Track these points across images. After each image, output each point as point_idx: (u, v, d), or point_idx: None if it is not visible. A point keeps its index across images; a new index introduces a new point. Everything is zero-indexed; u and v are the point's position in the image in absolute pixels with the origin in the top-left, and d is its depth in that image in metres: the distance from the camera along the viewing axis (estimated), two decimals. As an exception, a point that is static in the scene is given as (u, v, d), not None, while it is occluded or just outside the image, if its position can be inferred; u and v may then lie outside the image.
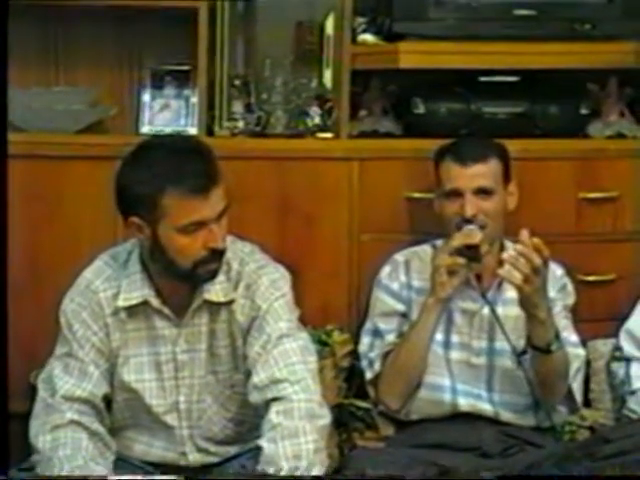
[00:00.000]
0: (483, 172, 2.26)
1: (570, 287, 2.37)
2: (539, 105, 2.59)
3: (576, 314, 2.38)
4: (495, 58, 2.51)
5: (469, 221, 2.23)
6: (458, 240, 2.21)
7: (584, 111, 2.63)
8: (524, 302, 2.14)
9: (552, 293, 2.28)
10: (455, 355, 2.30)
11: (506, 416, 2.27)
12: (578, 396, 2.30)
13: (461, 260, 2.21)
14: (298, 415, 1.89)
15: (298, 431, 1.87)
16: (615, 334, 2.45)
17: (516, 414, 2.28)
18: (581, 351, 2.32)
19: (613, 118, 2.68)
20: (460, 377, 2.29)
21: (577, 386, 2.30)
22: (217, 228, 1.89)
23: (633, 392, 2.37)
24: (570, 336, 2.31)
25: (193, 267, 1.91)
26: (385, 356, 2.31)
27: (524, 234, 2.09)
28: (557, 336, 2.18)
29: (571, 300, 2.37)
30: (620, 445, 2.05)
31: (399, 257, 2.40)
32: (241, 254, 2.03)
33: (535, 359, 2.19)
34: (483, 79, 2.56)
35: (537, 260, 2.07)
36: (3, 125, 2.00)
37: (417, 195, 2.50)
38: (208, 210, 1.88)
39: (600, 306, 2.53)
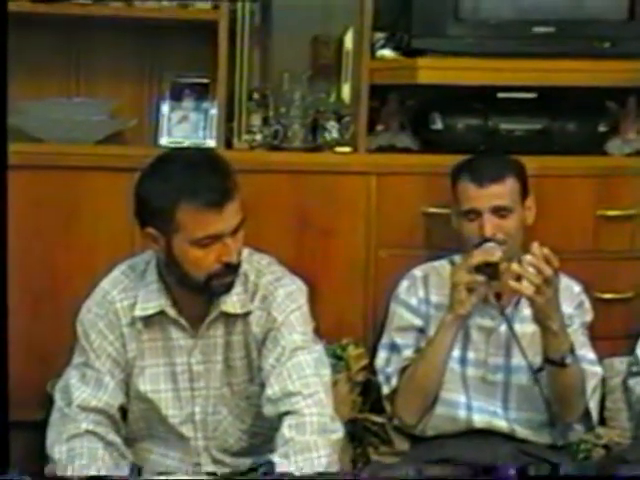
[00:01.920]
0: (500, 192, 2.25)
1: (587, 304, 2.36)
2: (557, 122, 2.58)
3: (593, 331, 2.37)
4: (513, 75, 2.52)
5: (488, 240, 2.23)
6: (477, 258, 2.20)
7: (602, 128, 2.62)
8: (537, 313, 2.14)
9: (569, 310, 2.28)
10: (471, 372, 2.29)
11: (522, 433, 2.26)
12: (595, 414, 2.29)
13: (480, 278, 2.20)
14: (310, 430, 1.88)
15: (310, 446, 1.87)
16: (632, 352, 2.44)
17: (532, 431, 2.27)
18: (598, 369, 2.31)
19: (632, 136, 2.67)
20: (476, 394, 2.28)
21: (594, 404, 2.28)
22: (232, 242, 1.90)
23: (650, 409, 2.36)
24: (587, 354, 2.29)
25: (207, 280, 1.92)
26: (402, 371, 2.31)
27: (535, 245, 2.09)
28: (572, 350, 2.17)
29: (589, 317, 2.35)
30: (638, 466, 2.04)
31: (417, 272, 2.39)
32: (258, 266, 2.03)
33: (550, 374, 2.18)
34: (501, 95, 2.56)
35: (548, 270, 2.07)
36: (3, 136, 2.01)
37: (434, 210, 2.50)
38: (223, 224, 1.88)
39: (617, 324, 2.51)
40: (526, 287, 2.09)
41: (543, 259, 2.07)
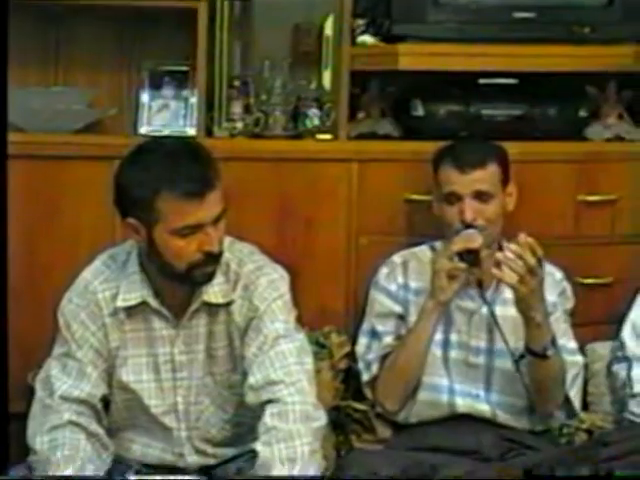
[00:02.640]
0: (482, 177, 2.25)
1: (569, 291, 2.37)
2: (538, 108, 2.59)
3: (574, 317, 2.39)
4: (494, 60, 2.52)
5: (469, 226, 2.23)
6: (458, 244, 2.21)
7: (583, 114, 2.63)
8: (520, 304, 2.15)
9: (552, 297, 2.29)
10: (454, 354, 2.30)
11: (503, 417, 2.27)
12: (577, 403, 2.30)
13: (462, 265, 2.20)
14: (293, 418, 1.89)
15: (293, 434, 1.87)
16: (614, 336, 2.45)
17: (513, 415, 2.28)
18: (579, 358, 2.32)
19: (612, 121, 2.68)
20: (458, 377, 2.29)
21: (575, 393, 2.30)
22: (213, 232, 1.89)
23: (634, 395, 2.36)
24: (568, 343, 2.31)
25: (188, 270, 1.91)
26: (383, 358, 2.31)
27: (521, 235, 2.09)
28: (553, 342, 2.18)
29: (570, 304, 2.37)
30: (618, 448, 2.05)
31: (397, 258, 2.40)
32: (240, 255, 2.02)
33: (531, 364, 2.20)
34: (482, 81, 2.56)
35: (531, 260, 2.08)
36: (3, 127, 2.00)
37: (416, 197, 2.50)
38: (204, 214, 1.87)
39: (598, 309, 2.53)
40: (509, 276, 2.09)
41: (528, 249, 2.07)
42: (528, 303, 2.13)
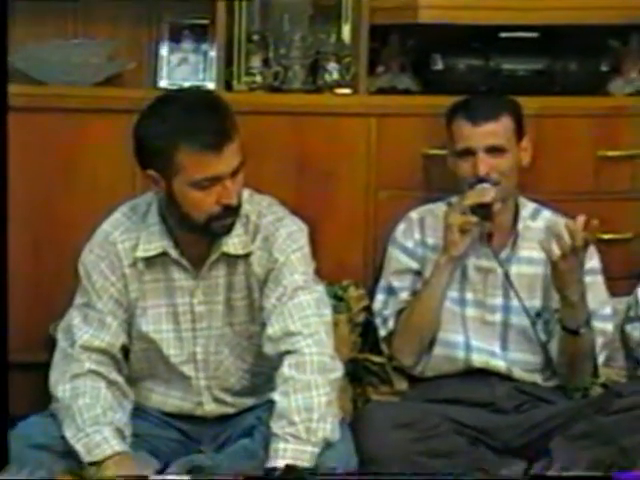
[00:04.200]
0: (495, 130, 2.24)
1: (592, 248, 2.29)
2: (559, 62, 2.57)
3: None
4: (515, 14, 2.49)
5: (482, 180, 2.23)
6: (471, 199, 2.21)
7: (604, 68, 2.60)
8: (556, 280, 2.16)
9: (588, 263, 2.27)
10: (470, 312, 2.30)
11: (518, 374, 2.28)
12: (600, 368, 2.31)
13: (473, 218, 2.21)
14: (310, 369, 1.91)
15: (310, 384, 1.89)
16: (631, 293, 2.45)
17: (528, 373, 2.28)
18: (609, 326, 2.30)
19: (634, 75, 2.65)
20: (475, 334, 2.29)
21: (600, 361, 2.30)
22: (231, 184, 1.90)
23: (648, 354, 2.37)
24: (602, 309, 2.29)
25: (207, 221, 1.92)
26: (399, 314, 2.32)
27: (580, 218, 2.10)
28: (588, 321, 2.19)
29: (595, 262, 2.31)
30: (632, 400, 2.06)
31: (414, 215, 2.40)
32: (259, 207, 2.03)
33: (563, 340, 2.21)
34: (503, 35, 2.54)
35: (580, 242, 2.09)
36: (4, 79, 2.00)
37: (435, 152, 2.49)
38: (222, 166, 1.88)
39: (617, 264, 2.51)
40: (554, 251, 2.10)
41: (581, 231, 2.08)
42: (565, 281, 2.14)
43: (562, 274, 2.13)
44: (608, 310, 2.31)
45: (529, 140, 2.33)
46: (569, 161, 2.55)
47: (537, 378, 2.29)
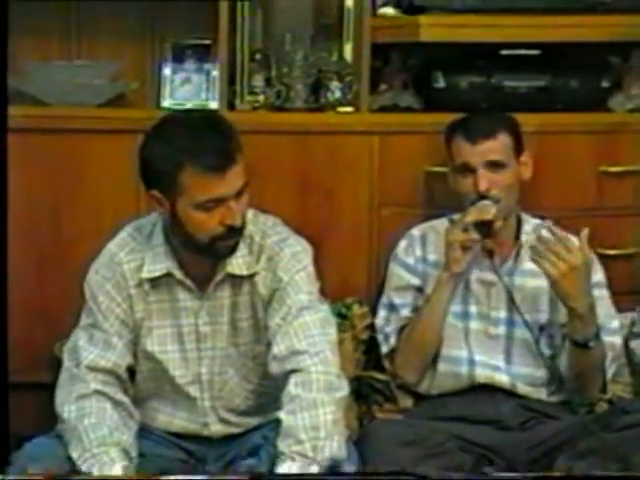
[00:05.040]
0: (493, 147, 2.26)
1: (596, 262, 2.31)
2: (560, 79, 2.58)
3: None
4: (516, 31, 2.51)
5: (483, 197, 2.24)
6: (472, 216, 2.22)
7: (605, 84, 2.62)
8: (559, 294, 2.16)
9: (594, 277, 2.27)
10: (474, 325, 2.31)
11: (522, 388, 2.28)
12: (608, 383, 2.30)
13: (475, 235, 2.22)
14: (316, 387, 1.90)
15: (316, 403, 1.89)
16: (635, 308, 2.45)
17: (533, 387, 2.28)
18: (618, 340, 2.30)
19: (635, 91, 2.66)
20: (478, 348, 2.29)
21: (609, 375, 2.29)
22: (235, 205, 1.91)
23: (652, 369, 2.37)
24: (611, 323, 2.29)
25: (211, 242, 1.93)
26: (400, 330, 2.33)
27: (584, 233, 2.11)
28: (597, 334, 2.19)
29: (601, 275, 2.32)
30: (638, 416, 2.06)
31: (415, 232, 2.41)
32: (263, 227, 2.04)
33: (572, 353, 2.20)
34: (504, 52, 2.55)
35: (575, 260, 2.09)
36: (3, 102, 2.01)
37: (437, 169, 2.50)
38: (226, 188, 1.89)
39: (620, 280, 2.51)
40: (546, 268, 2.11)
41: (580, 248, 2.10)
42: (568, 294, 2.14)
43: (564, 290, 2.14)
44: (616, 324, 2.31)
45: (529, 155, 2.34)
46: (571, 177, 2.56)
47: (541, 393, 2.29)
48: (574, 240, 2.13)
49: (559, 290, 2.15)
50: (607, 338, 2.26)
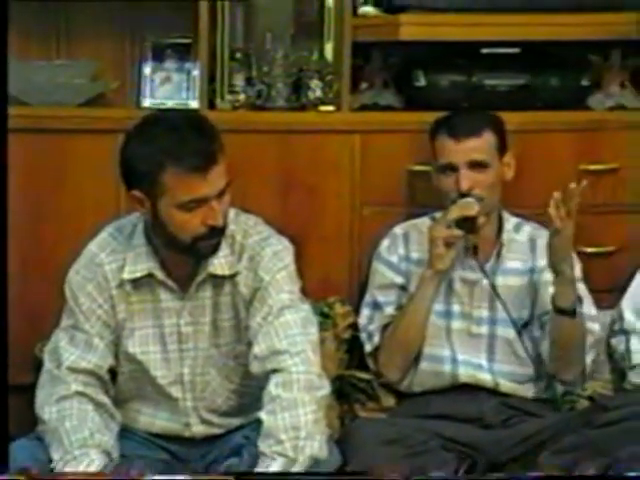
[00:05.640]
0: (476, 146, 2.26)
1: (574, 256, 2.31)
2: (540, 77, 2.58)
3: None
4: (496, 30, 2.51)
5: (465, 195, 2.24)
6: (455, 212, 2.23)
7: (585, 83, 2.62)
8: (553, 255, 2.15)
9: None
10: (456, 325, 2.32)
11: (506, 386, 2.29)
12: (588, 370, 2.31)
13: (458, 232, 2.22)
14: (297, 387, 1.90)
15: (297, 403, 1.89)
16: (614, 306, 2.47)
17: (516, 384, 2.30)
18: (597, 327, 2.32)
19: (614, 90, 2.67)
20: (461, 347, 2.30)
21: (589, 361, 2.30)
22: (217, 205, 1.90)
23: (633, 367, 2.36)
24: (590, 309, 2.30)
25: (193, 242, 1.92)
26: (384, 329, 2.33)
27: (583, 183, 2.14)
28: (580, 300, 2.20)
29: (579, 269, 2.33)
30: (619, 413, 2.07)
31: (398, 230, 2.41)
32: (245, 226, 2.04)
33: (558, 326, 2.19)
34: (484, 51, 2.56)
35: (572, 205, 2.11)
36: (4, 103, 2.00)
37: (419, 168, 2.50)
38: (208, 188, 1.88)
39: (600, 278, 2.52)
40: (560, 216, 2.12)
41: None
42: (562, 252, 2.14)
43: (562, 243, 2.13)
44: (594, 311, 2.32)
45: (512, 156, 2.34)
46: (551, 175, 2.56)
47: (524, 390, 2.30)
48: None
49: (556, 244, 2.14)
50: (588, 324, 2.27)
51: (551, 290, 2.22)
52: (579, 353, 2.26)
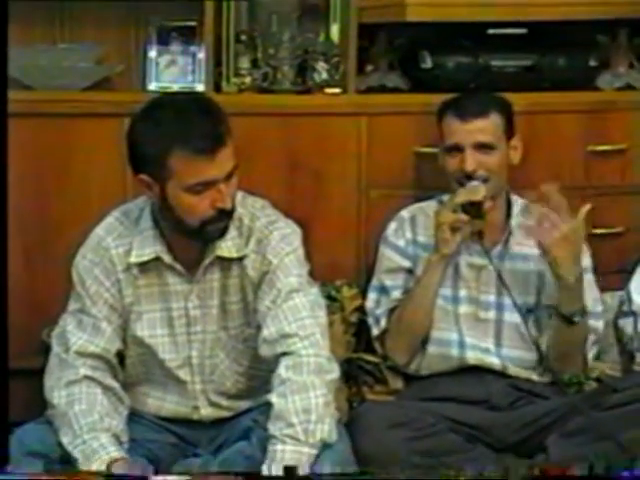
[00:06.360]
0: (483, 127, 2.25)
1: (584, 246, 2.30)
2: (547, 58, 2.57)
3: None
4: (503, 10, 2.49)
5: (470, 177, 2.23)
6: (461, 196, 2.22)
7: (593, 63, 2.61)
8: (549, 261, 2.16)
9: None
10: (463, 309, 2.31)
11: (513, 370, 2.28)
12: (590, 361, 2.31)
13: (464, 217, 2.22)
14: (307, 370, 1.91)
15: (307, 386, 1.89)
16: (623, 287, 2.46)
17: (523, 369, 2.29)
18: (600, 324, 2.31)
19: (622, 70, 2.66)
20: (468, 331, 2.30)
21: (590, 357, 2.31)
22: (225, 188, 1.90)
23: (641, 348, 2.38)
24: (596, 307, 2.30)
25: (201, 225, 1.92)
26: (391, 312, 2.33)
27: (583, 209, 2.13)
28: (583, 311, 2.20)
29: (587, 260, 2.32)
30: (627, 395, 2.07)
31: (405, 213, 2.40)
32: (252, 209, 2.03)
33: (556, 328, 2.21)
34: (491, 32, 2.54)
35: (566, 228, 2.11)
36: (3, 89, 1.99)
37: (425, 150, 2.49)
38: (215, 170, 1.88)
39: (608, 259, 2.52)
40: (540, 236, 2.12)
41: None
42: (558, 262, 2.15)
43: (555, 257, 2.14)
44: (599, 308, 2.32)
45: (519, 139, 2.33)
46: (559, 156, 2.56)
47: (532, 374, 2.29)
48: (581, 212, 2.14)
49: (550, 258, 2.15)
50: (591, 322, 2.27)
51: None
52: (577, 356, 2.27)
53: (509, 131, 2.30)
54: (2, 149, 1.87)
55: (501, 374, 2.28)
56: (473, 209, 2.22)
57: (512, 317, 2.28)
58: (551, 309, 2.25)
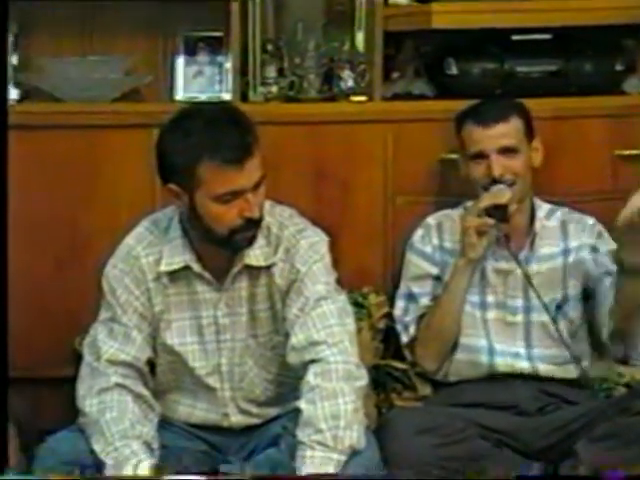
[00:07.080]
0: (505, 131, 2.26)
1: (607, 234, 2.29)
2: (573, 62, 2.57)
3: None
4: (528, 16, 2.50)
5: (497, 181, 2.24)
6: (486, 201, 2.23)
7: (619, 67, 2.61)
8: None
9: (590, 240, 2.30)
10: (491, 315, 2.31)
11: (545, 370, 2.28)
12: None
13: (489, 220, 2.22)
14: (336, 377, 1.92)
15: (336, 392, 1.90)
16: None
17: (556, 367, 2.28)
18: None
19: (649, 73, 2.66)
20: (497, 337, 2.30)
21: None
22: (253, 197, 1.92)
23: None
24: None
25: (230, 234, 1.94)
26: (420, 319, 2.34)
27: None
28: None
29: (612, 246, 2.26)
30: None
31: (431, 220, 2.41)
32: (280, 218, 2.05)
33: (622, 284, 2.05)
34: (516, 38, 2.55)
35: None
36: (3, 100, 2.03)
37: (452, 156, 2.49)
38: (244, 180, 1.90)
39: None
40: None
41: None
42: None
43: None
44: None
45: (540, 141, 2.34)
46: (586, 161, 2.55)
47: (563, 372, 2.28)
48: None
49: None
50: None
51: (588, 266, 2.22)
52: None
53: (529, 133, 2.31)
54: (2, 149, 1.90)
55: (530, 378, 2.27)
56: (498, 213, 2.23)
57: (540, 317, 2.28)
58: (590, 289, 2.22)
